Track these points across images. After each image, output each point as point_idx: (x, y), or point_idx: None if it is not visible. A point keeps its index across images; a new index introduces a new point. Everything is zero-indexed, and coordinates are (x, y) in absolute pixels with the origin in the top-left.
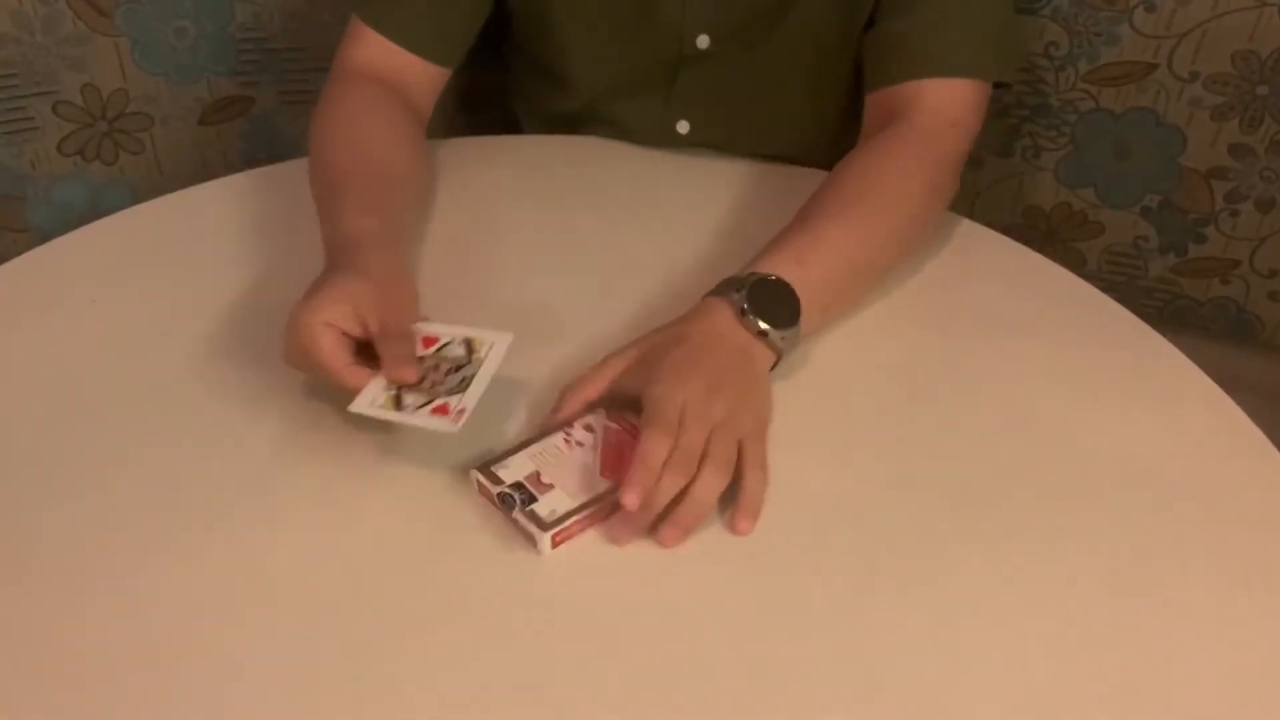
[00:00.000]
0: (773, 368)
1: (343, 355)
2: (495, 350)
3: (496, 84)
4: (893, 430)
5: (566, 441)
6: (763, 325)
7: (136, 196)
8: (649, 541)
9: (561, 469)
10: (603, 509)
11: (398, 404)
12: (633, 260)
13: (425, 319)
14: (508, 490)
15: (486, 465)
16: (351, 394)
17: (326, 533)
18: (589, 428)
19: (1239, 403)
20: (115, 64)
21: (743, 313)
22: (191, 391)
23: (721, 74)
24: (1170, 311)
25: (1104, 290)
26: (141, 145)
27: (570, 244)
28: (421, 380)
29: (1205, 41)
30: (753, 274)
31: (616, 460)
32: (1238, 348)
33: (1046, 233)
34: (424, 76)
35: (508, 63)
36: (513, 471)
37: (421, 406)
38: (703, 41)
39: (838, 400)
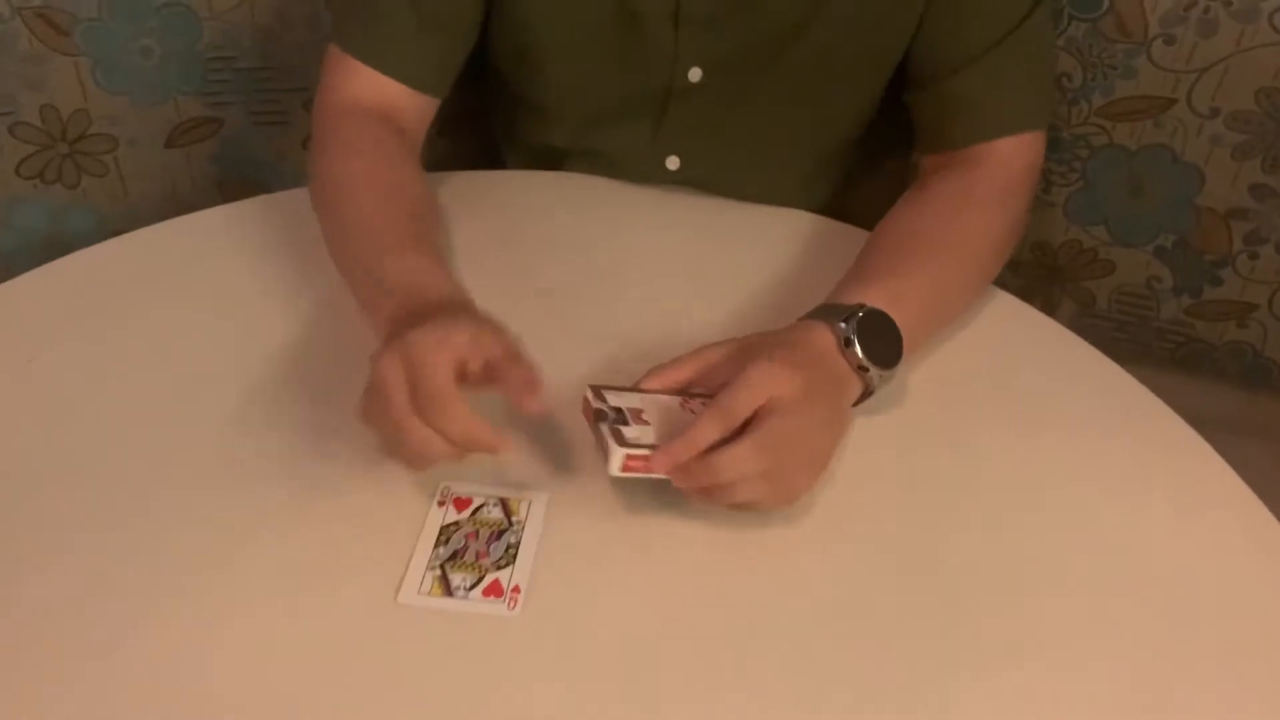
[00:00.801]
0: (855, 403)
1: (455, 383)
2: (534, 511)
3: (478, 107)
4: (892, 515)
5: (683, 405)
6: (865, 360)
7: (101, 220)
8: (631, 641)
9: (665, 418)
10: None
11: (445, 585)
12: (614, 310)
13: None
14: (606, 409)
15: (600, 386)
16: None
17: (273, 632)
18: (707, 402)
19: (1252, 449)
20: (75, 84)
21: (847, 343)
22: (128, 471)
23: (715, 109)
24: (1183, 354)
25: (1114, 331)
26: (105, 168)
27: (551, 293)
28: (464, 552)
29: (1228, 77)
30: (861, 305)
31: None
32: (1251, 391)
33: (1054, 270)
34: (414, 108)
35: (489, 90)
36: (620, 399)
37: (473, 587)
38: (695, 74)
39: (833, 477)
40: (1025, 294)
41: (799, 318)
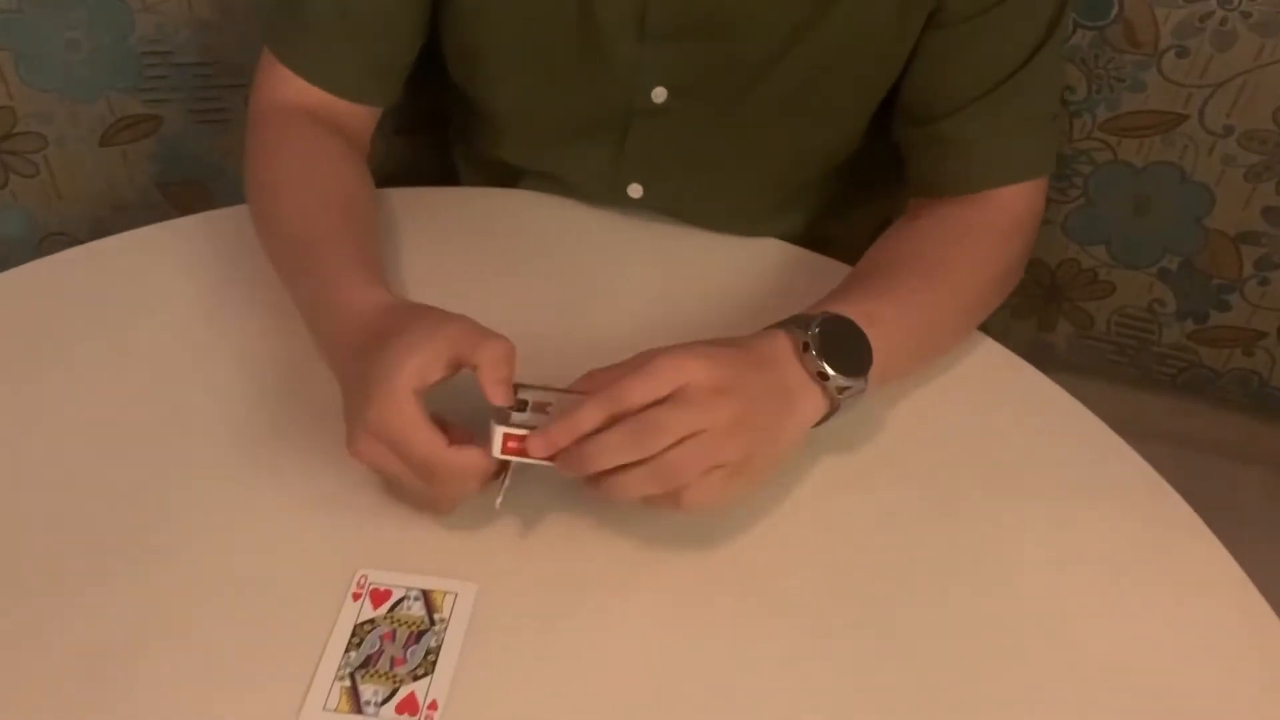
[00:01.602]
0: (819, 423)
1: (439, 433)
2: (460, 607)
3: (438, 105)
4: (859, 602)
5: None
6: (826, 368)
7: (34, 222)
8: None
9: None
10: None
11: (354, 699)
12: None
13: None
14: (507, 408)
15: (524, 384)
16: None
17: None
18: None
19: (1253, 477)
20: None
21: (804, 347)
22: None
23: (681, 135)
24: (1184, 379)
25: (1112, 353)
26: (35, 167)
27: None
28: (378, 657)
29: (1244, 94)
30: (825, 311)
31: None
32: (1255, 417)
33: (1050, 289)
34: (354, 114)
35: (446, 94)
36: (535, 394)
37: (385, 701)
38: (659, 95)
39: (805, 554)
40: (1019, 313)
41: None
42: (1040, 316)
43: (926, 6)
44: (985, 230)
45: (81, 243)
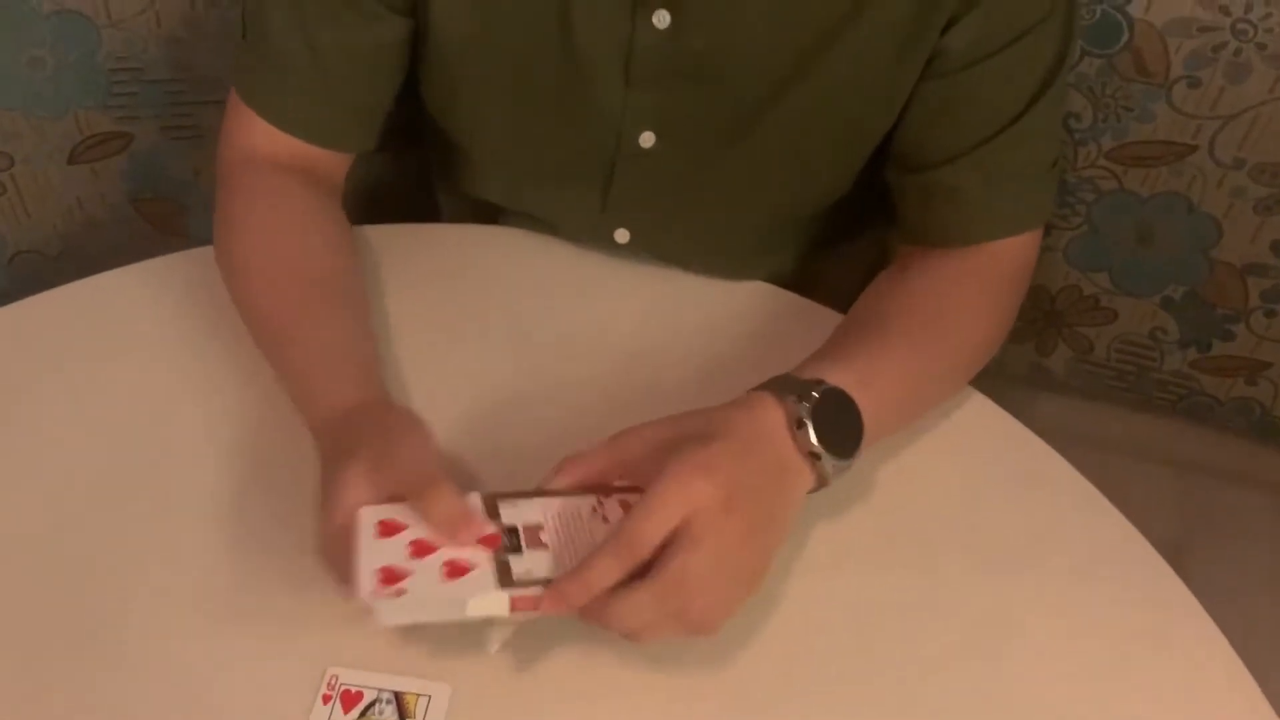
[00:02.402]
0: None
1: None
2: (433, 712)
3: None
4: (846, 699)
5: (595, 511)
6: (818, 447)
7: (2, 240)
8: None
9: (569, 536)
10: None
11: None
12: (550, 391)
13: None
14: (497, 531)
15: (494, 495)
16: None
17: None
18: (625, 505)
19: (1254, 500)
20: None
21: (799, 424)
22: None
23: (669, 179)
24: (1185, 406)
25: (1111, 379)
26: (2, 187)
27: (480, 374)
28: None
29: (1256, 126)
30: (821, 382)
31: None
32: (1257, 443)
33: (1050, 314)
34: (331, 160)
35: (425, 119)
36: (518, 513)
37: None
38: (646, 139)
39: (787, 647)
40: (1018, 336)
41: (751, 389)
42: (1039, 340)
43: (924, 53)
44: (978, 284)
45: (51, 259)
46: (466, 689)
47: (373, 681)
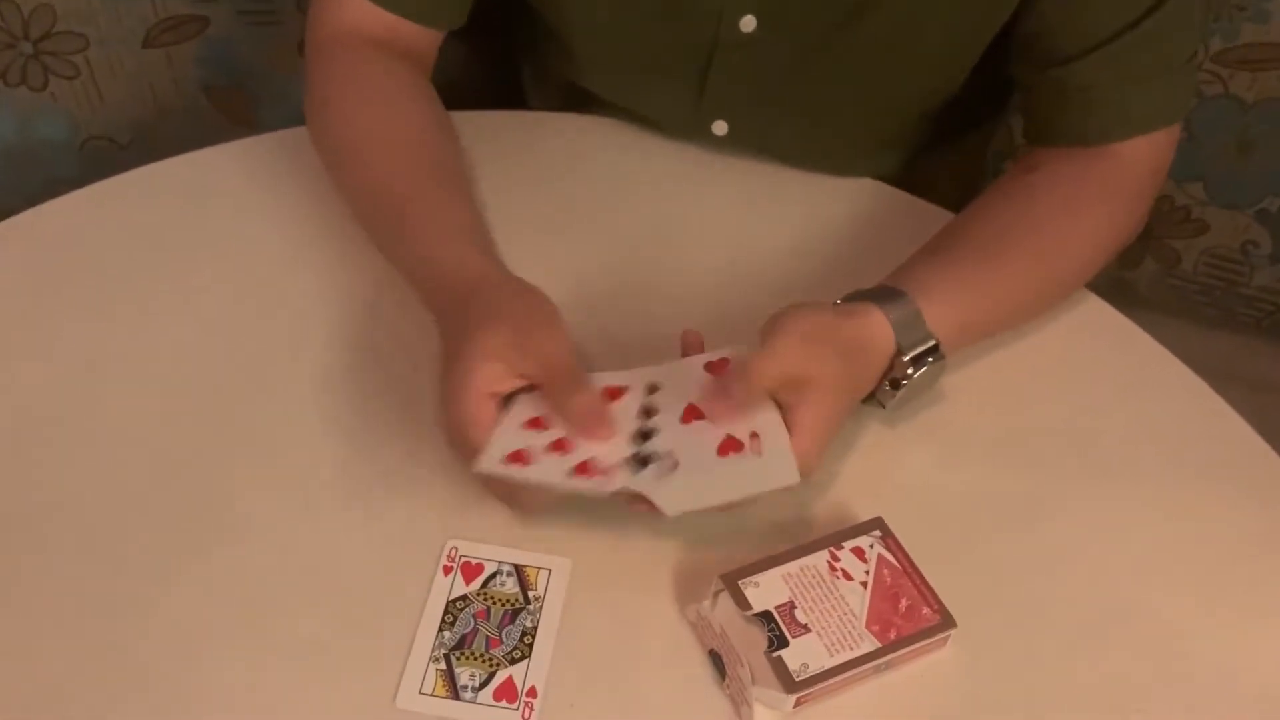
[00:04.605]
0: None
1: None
2: (554, 584)
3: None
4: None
5: (832, 567)
6: (896, 388)
7: (75, 125)
8: None
9: (821, 606)
10: (860, 673)
11: (450, 683)
12: (647, 284)
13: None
14: (758, 616)
15: (735, 576)
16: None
17: None
18: (859, 552)
19: None
20: None
21: (899, 352)
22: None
23: (769, 69)
24: (1270, 323)
25: (1197, 294)
26: (76, 69)
27: (579, 269)
28: (472, 637)
29: None
30: (936, 343)
31: (889, 608)
32: None
33: None
34: (423, 37)
35: (513, 8)
36: (764, 594)
37: (483, 686)
38: (747, 24)
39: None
40: None
41: (868, 295)
42: (1125, 252)
43: None
44: (1104, 191)
45: (123, 147)
46: (585, 563)
47: (493, 555)
